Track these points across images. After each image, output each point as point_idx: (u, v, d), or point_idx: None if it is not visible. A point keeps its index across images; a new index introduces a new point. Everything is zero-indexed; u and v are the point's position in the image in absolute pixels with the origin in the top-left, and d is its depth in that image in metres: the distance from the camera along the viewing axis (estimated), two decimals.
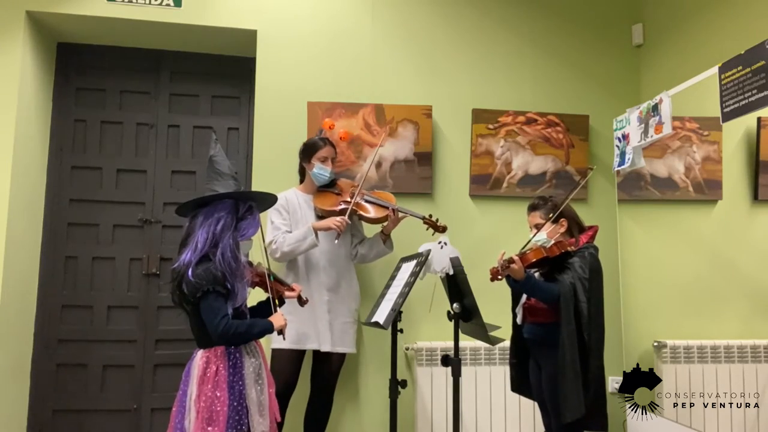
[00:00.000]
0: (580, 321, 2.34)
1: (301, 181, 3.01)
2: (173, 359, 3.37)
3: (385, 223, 2.89)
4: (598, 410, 2.38)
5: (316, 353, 2.85)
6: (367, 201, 2.91)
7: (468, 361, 3.16)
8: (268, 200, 2.27)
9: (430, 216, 2.90)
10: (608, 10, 3.72)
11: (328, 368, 2.87)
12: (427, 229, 2.89)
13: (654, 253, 3.37)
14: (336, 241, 2.78)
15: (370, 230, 3.04)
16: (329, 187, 2.95)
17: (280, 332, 2.12)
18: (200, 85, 3.65)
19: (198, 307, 1.98)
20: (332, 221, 2.74)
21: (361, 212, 2.87)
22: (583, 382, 2.30)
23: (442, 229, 2.87)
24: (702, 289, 3.04)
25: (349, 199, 2.85)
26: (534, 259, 2.37)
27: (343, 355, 2.89)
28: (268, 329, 2.08)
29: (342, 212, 2.80)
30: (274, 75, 3.35)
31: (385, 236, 2.93)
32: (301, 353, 2.81)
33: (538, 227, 2.55)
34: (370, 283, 3.24)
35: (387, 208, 2.87)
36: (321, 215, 2.87)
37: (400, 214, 2.88)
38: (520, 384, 2.67)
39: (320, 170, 2.88)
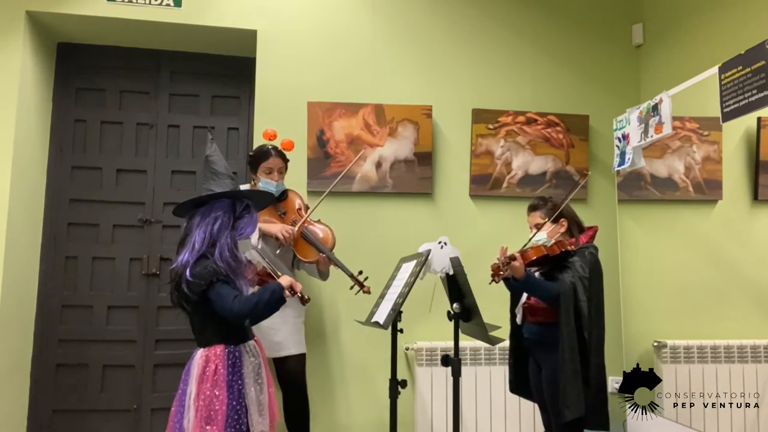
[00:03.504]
0: (581, 320, 2.34)
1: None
2: (173, 359, 3.36)
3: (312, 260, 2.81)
4: (599, 409, 2.37)
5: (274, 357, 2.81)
6: (303, 236, 2.77)
7: (468, 361, 3.16)
8: (264, 199, 2.27)
9: (360, 273, 2.73)
10: (608, 10, 3.72)
11: (287, 369, 2.82)
12: (351, 287, 2.73)
13: (654, 253, 3.37)
14: (278, 251, 2.66)
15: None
16: (277, 200, 2.84)
17: (293, 292, 2.02)
18: (200, 85, 3.65)
19: (199, 305, 1.97)
20: (282, 231, 2.60)
21: (293, 246, 2.76)
22: (583, 381, 2.30)
23: (367, 291, 2.71)
24: (702, 289, 3.04)
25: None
26: (535, 257, 2.37)
27: (300, 355, 2.84)
28: (278, 289, 1.99)
29: (278, 239, 2.69)
30: (274, 75, 3.36)
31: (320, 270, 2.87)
32: None
33: (538, 227, 2.55)
34: (370, 283, 3.23)
35: (318, 252, 2.76)
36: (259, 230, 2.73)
37: (331, 264, 2.77)
38: (518, 385, 2.66)
39: (265, 185, 2.76)
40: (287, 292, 2.01)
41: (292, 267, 2.93)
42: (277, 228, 2.66)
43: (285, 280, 2.04)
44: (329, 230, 2.87)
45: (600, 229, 2.67)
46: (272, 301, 1.99)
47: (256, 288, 2.31)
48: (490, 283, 2.40)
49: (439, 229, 3.24)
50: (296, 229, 2.72)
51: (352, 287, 2.73)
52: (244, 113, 3.67)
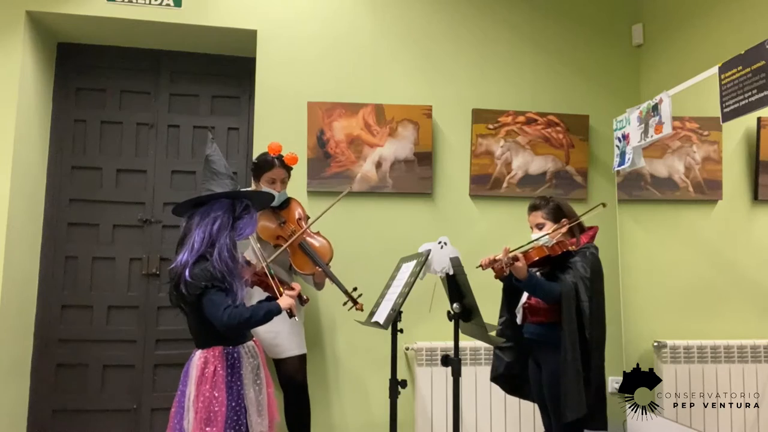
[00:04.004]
0: (582, 320, 2.34)
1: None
2: (173, 359, 3.36)
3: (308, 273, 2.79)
4: (599, 410, 2.37)
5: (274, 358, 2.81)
6: (301, 248, 2.75)
7: (468, 361, 3.16)
8: (264, 199, 2.26)
9: (354, 290, 2.73)
10: (608, 10, 3.72)
11: (288, 370, 2.82)
12: (345, 304, 2.73)
13: (654, 253, 3.37)
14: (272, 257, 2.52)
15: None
16: (279, 208, 2.82)
17: (291, 314, 2.06)
18: (200, 85, 3.65)
19: (196, 307, 1.97)
20: (285, 302, 2.48)
21: (290, 257, 2.75)
22: (585, 381, 2.30)
23: (360, 308, 2.71)
24: (702, 289, 3.04)
25: (286, 239, 2.70)
26: (536, 258, 2.38)
27: (300, 356, 2.84)
28: (274, 310, 2.01)
29: (276, 248, 2.65)
30: (274, 75, 3.36)
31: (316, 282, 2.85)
32: None
33: (539, 227, 2.56)
34: (370, 283, 3.24)
35: (314, 265, 2.74)
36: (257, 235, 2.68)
37: (326, 278, 2.76)
38: (497, 377, 2.65)
39: None
40: (285, 311, 2.05)
41: (289, 270, 2.92)
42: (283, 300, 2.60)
43: (284, 302, 2.05)
44: (328, 244, 2.85)
45: (600, 229, 2.68)
46: (266, 320, 2.02)
47: (254, 288, 2.31)
48: (496, 278, 2.40)
49: (439, 229, 3.23)
50: (292, 240, 2.64)
51: (345, 303, 2.72)
52: (244, 113, 3.67)
